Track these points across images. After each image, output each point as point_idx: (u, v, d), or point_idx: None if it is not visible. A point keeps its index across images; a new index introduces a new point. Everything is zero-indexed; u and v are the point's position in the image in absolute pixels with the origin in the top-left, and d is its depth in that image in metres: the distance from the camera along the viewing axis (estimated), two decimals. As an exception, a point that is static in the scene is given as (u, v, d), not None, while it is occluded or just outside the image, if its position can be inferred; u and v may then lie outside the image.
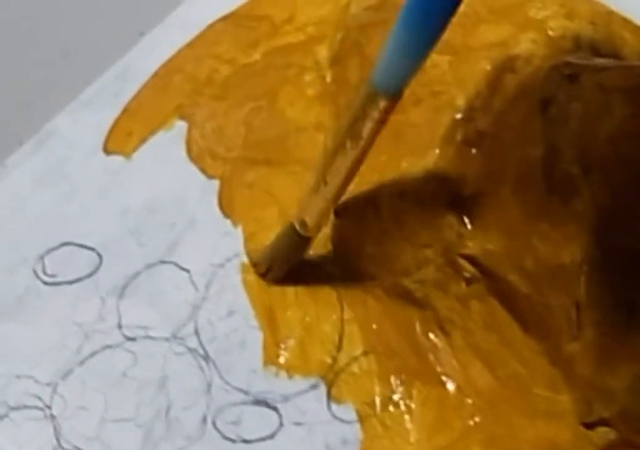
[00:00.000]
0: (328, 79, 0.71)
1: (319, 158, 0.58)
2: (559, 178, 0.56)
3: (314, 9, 0.74)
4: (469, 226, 0.60)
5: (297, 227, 0.60)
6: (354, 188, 0.62)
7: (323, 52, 0.73)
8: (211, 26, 0.75)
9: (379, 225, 0.62)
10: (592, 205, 0.54)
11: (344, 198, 0.60)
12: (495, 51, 0.64)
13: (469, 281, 0.60)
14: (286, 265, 0.65)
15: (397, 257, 0.62)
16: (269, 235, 0.65)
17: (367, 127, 0.52)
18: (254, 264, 0.66)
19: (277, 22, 0.75)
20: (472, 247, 0.59)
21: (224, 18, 0.75)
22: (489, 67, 0.63)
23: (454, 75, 0.64)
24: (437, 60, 0.64)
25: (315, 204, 0.59)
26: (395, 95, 0.52)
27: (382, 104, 0.51)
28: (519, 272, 0.57)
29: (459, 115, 0.62)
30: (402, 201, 0.61)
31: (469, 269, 0.60)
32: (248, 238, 0.66)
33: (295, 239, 0.62)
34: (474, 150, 0.61)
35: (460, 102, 0.63)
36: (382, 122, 0.53)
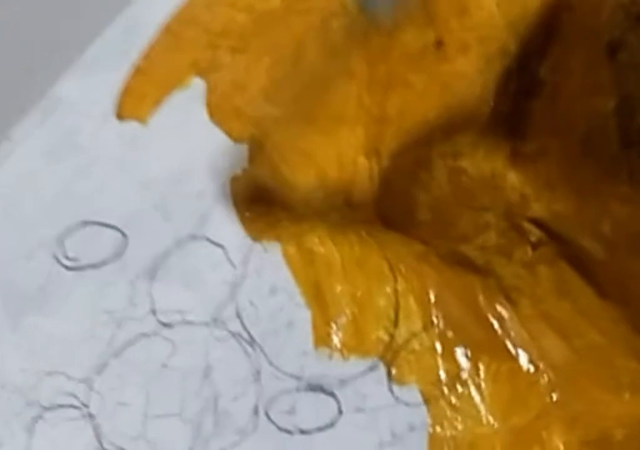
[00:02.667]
0: (356, 24, 0.62)
1: None
2: (636, 133, 0.49)
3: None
4: (533, 186, 0.53)
5: None
6: (400, 148, 0.55)
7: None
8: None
9: (432, 188, 0.55)
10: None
11: (390, 163, 0.53)
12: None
13: (535, 246, 0.54)
14: None
15: (453, 223, 0.55)
16: (306, 204, 0.58)
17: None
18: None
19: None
20: (538, 209, 0.53)
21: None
22: (542, 7, 0.55)
23: (504, 17, 0.56)
24: (482, 1, 0.57)
25: None
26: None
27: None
28: (594, 237, 0.51)
29: (512, 63, 0.55)
30: (457, 161, 0.54)
31: (535, 233, 0.54)
32: (284, 206, 0.59)
33: None
34: (532, 102, 0.54)
35: (513, 47, 0.55)
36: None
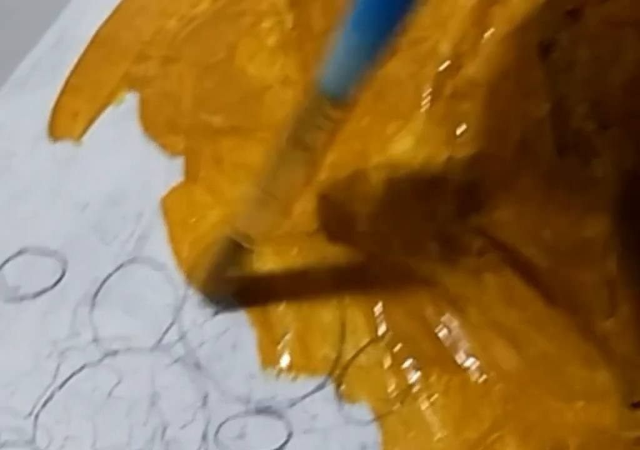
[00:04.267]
0: (289, 25, 0.60)
1: (261, 168, 0.47)
2: (572, 137, 0.46)
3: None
4: (471, 194, 0.50)
5: (240, 241, 0.51)
6: (338, 159, 0.52)
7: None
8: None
9: (370, 201, 0.52)
10: (615, 167, 0.44)
11: (328, 176, 0.50)
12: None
13: (479, 254, 0.51)
14: (229, 281, 0.55)
15: (394, 235, 0.52)
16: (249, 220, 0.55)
17: (315, 138, 0.43)
18: (201, 289, 0.56)
19: (222, -39, 0.63)
20: (477, 217, 0.50)
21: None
22: (472, 2, 0.52)
23: (434, 16, 0.53)
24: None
25: (262, 218, 0.50)
26: (345, 102, 0.42)
27: (331, 111, 0.41)
28: (536, 245, 0.48)
29: (445, 65, 0.52)
30: (393, 172, 0.51)
31: (477, 241, 0.51)
32: (224, 223, 0.56)
33: (237, 252, 0.52)
34: (467, 105, 0.51)
35: (445, 48, 0.52)
36: (331, 132, 0.44)
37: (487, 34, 0.51)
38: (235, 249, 0.51)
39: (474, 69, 0.50)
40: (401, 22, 0.37)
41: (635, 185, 0.44)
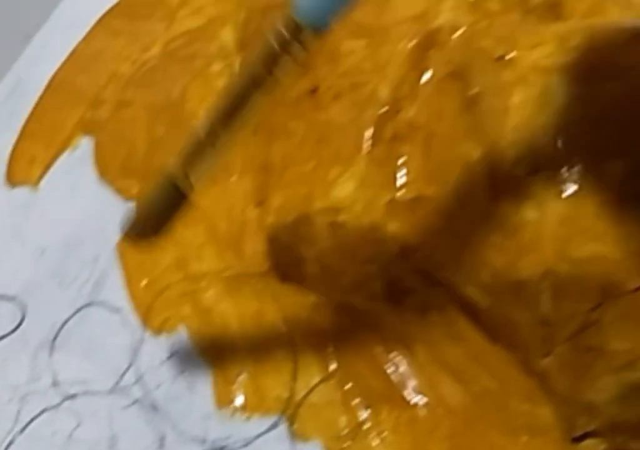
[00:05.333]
0: (237, 68, 0.60)
1: (212, 104, 0.45)
2: (504, 181, 0.47)
3: (210, -16, 0.64)
4: (412, 235, 0.51)
5: (178, 182, 0.48)
6: (284, 203, 0.53)
7: (228, 35, 0.62)
8: (101, 21, 0.64)
9: (316, 243, 0.53)
10: (545, 212, 0.45)
11: (275, 219, 0.51)
12: (415, 26, 0.54)
13: (424, 292, 0.52)
14: (162, 223, 0.51)
15: (340, 275, 0.53)
16: (201, 260, 0.56)
17: (282, 68, 0.41)
18: (127, 229, 0.52)
19: (173, 6, 0.64)
20: (419, 258, 0.51)
21: (114, 8, 0.64)
22: (410, 46, 0.53)
23: (373, 61, 0.54)
24: (352, 46, 0.55)
25: (204, 159, 0.47)
26: (323, 29, 0.39)
27: (306, 39, 0.39)
28: (475, 285, 0.49)
29: (384, 108, 0.53)
30: (336, 216, 0.52)
31: (421, 281, 0.52)
32: (178, 265, 0.57)
33: (174, 194, 0.49)
34: (407, 148, 0.52)
35: (384, 92, 0.53)
36: (297, 61, 0.41)
37: (424, 78, 0.51)
38: (172, 191, 0.49)
39: (412, 112, 0.51)
40: None
41: (566, 227, 0.45)
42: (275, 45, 0.40)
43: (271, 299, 0.55)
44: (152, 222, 0.50)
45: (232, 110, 0.43)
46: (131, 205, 0.50)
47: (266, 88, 0.42)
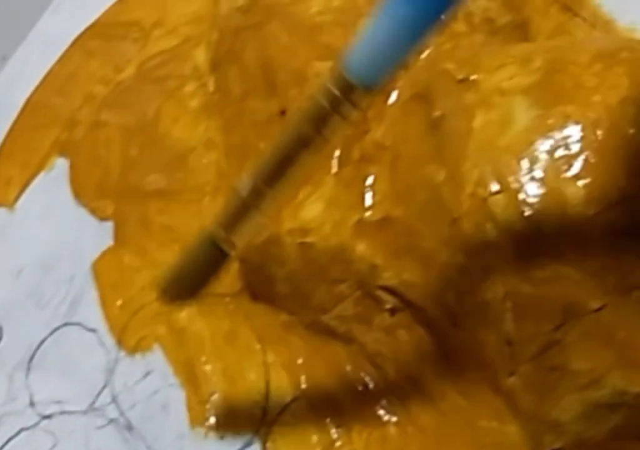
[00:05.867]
0: (210, 88, 0.61)
1: (254, 163, 0.43)
2: (467, 203, 0.47)
3: (184, 5, 0.64)
4: (381, 255, 0.51)
5: (220, 243, 0.47)
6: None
7: (201, 56, 0.63)
8: (77, 42, 0.64)
9: (286, 264, 0.54)
10: (507, 232, 0.46)
11: (248, 244, 0.52)
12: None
13: (392, 312, 0.52)
14: (200, 284, 0.50)
15: (310, 295, 0.54)
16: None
17: (329, 129, 0.39)
18: (162, 290, 0.52)
19: (147, 27, 0.65)
20: (388, 277, 0.52)
21: (89, 29, 0.65)
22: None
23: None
24: (319, 67, 0.55)
25: (247, 221, 0.45)
26: (375, 89, 0.37)
27: (357, 98, 0.37)
28: (441, 306, 0.50)
29: (351, 130, 0.53)
30: (305, 237, 0.53)
31: (389, 300, 0.52)
32: (153, 285, 0.58)
33: (214, 255, 0.48)
34: (374, 168, 0.52)
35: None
36: (346, 120, 0.39)
37: (391, 99, 0.52)
38: (212, 251, 0.47)
39: (379, 134, 0.51)
40: None
41: (527, 248, 0.46)
42: (325, 104, 0.38)
43: (244, 319, 0.56)
44: (189, 284, 0.49)
45: (278, 169, 0.41)
46: (166, 266, 0.50)
47: (314, 147, 0.40)
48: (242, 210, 0.45)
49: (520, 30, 0.54)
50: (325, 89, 0.37)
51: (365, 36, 0.34)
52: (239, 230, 0.45)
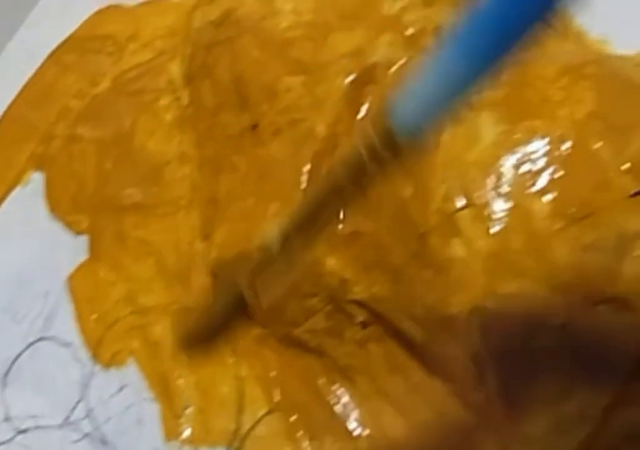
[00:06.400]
0: (185, 101, 0.61)
1: (288, 216, 0.41)
2: (434, 218, 0.47)
3: (158, 19, 0.64)
4: (351, 269, 0.51)
5: (245, 296, 0.45)
6: (225, 239, 0.54)
7: (176, 69, 0.63)
8: (52, 56, 0.64)
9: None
10: (473, 248, 0.46)
11: (217, 255, 0.52)
12: (352, 62, 0.54)
13: (363, 325, 0.53)
14: (221, 334, 0.49)
15: (283, 309, 0.54)
16: (150, 293, 0.57)
17: (366, 176, 0.36)
18: (182, 341, 0.51)
19: (122, 40, 0.65)
20: (358, 292, 0.52)
21: (64, 43, 0.65)
22: (346, 82, 0.54)
23: (311, 97, 0.54)
24: (290, 82, 0.55)
25: (274, 275, 0.42)
26: (422, 140, 0.34)
27: (401, 148, 0.34)
28: (410, 319, 0.50)
29: (321, 145, 0.53)
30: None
31: (360, 314, 0.52)
32: (128, 299, 0.58)
33: (238, 306, 0.46)
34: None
35: (321, 128, 0.54)
36: (386, 172, 0.36)
37: (361, 113, 0.52)
38: (237, 303, 0.46)
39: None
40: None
41: (492, 265, 0.46)
42: (364, 154, 0.35)
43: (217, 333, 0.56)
44: (210, 334, 0.48)
45: (310, 221, 0.39)
46: (183, 314, 0.49)
47: (349, 198, 0.38)
48: (269, 265, 0.42)
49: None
50: (366, 137, 0.34)
51: (413, 87, 0.32)
52: (266, 285, 0.43)
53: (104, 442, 0.54)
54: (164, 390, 0.55)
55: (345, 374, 0.54)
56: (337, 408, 0.54)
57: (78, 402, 0.56)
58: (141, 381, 0.56)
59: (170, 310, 0.55)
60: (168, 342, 0.56)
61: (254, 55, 0.55)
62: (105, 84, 0.62)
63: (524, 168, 0.46)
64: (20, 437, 0.55)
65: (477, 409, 0.49)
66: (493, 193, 0.46)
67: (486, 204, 0.46)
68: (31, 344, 0.58)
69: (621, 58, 0.50)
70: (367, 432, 0.53)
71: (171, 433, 0.54)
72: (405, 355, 0.52)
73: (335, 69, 0.54)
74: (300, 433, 0.53)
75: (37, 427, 0.55)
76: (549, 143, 0.47)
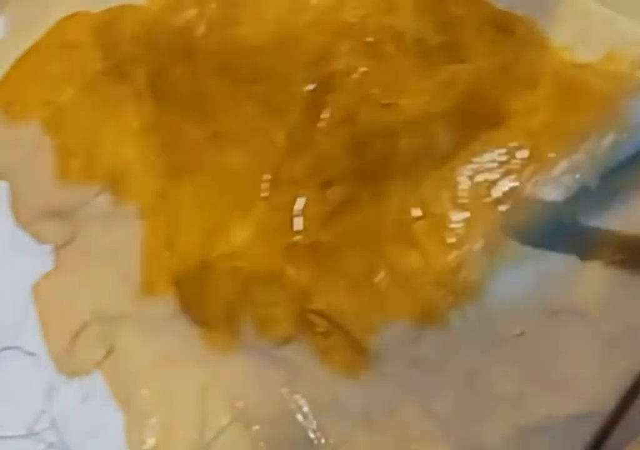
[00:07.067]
0: (149, 109, 0.61)
1: None
2: (390, 228, 0.48)
3: (123, 26, 0.64)
4: (310, 279, 0.51)
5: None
6: (188, 247, 0.54)
7: (141, 77, 0.62)
8: (17, 64, 0.64)
9: (218, 289, 0.54)
10: (429, 258, 0.46)
11: (179, 265, 0.52)
12: (312, 69, 0.54)
13: (325, 335, 0.52)
14: None
15: (245, 319, 0.54)
16: (115, 303, 0.57)
17: None
18: None
19: (87, 47, 0.64)
20: (318, 301, 0.52)
21: (29, 51, 0.64)
22: (306, 90, 0.54)
23: (269, 105, 0.54)
24: (249, 90, 0.55)
25: None
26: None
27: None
28: (368, 330, 0.50)
29: (281, 153, 0.53)
30: (235, 261, 0.53)
31: (322, 323, 0.52)
32: (93, 308, 0.58)
33: None
34: (304, 192, 0.52)
35: (281, 137, 0.53)
36: None
37: (321, 122, 0.52)
38: None
39: (308, 157, 0.51)
40: None
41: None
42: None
43: (182, 341, 0.56)
44: None
45: None
46: None
47: None
48: None
49: (452, 52, 0.54)
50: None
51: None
52: None
53: (68, 452, 0.54)
54: (128, 400, 0.55)
55: (309, 384, 0.53)
56: (300, 418, 0.53)
57: (42, 412, 0.55)
58: (105, 391, 0.55)
59: (134, 320, 0.55)
60: (133, 351, 0.56)
61: (214, 63, 0.55)
62: (69, 92, 0.62)
63: (479, 178, 0.46)
64: (-17, 448, 0.55)
65: (437, 418, 0.49)
66: (449, 204, 0.46)
67: (442, 215, 0.46)
68: (-4, 353, 0.57)
69: (581, 66, 0.50)
70: (332, 441, 0.52)
71: (135, 443, 0.54)
72: (367, 366, 0.51)
73: (296, 77, 0.53)
74: (262, 443, 0.53)
75: (1, 438, 0.55)
76: (505, 153, 0.46)
